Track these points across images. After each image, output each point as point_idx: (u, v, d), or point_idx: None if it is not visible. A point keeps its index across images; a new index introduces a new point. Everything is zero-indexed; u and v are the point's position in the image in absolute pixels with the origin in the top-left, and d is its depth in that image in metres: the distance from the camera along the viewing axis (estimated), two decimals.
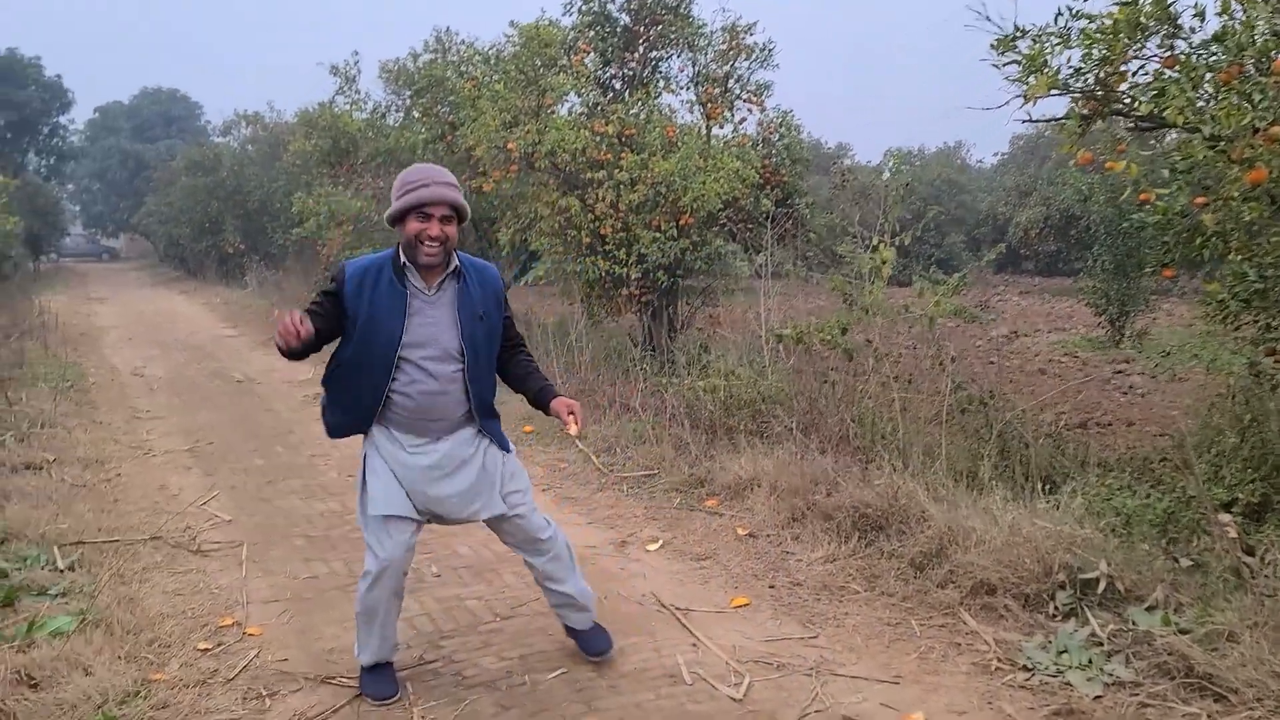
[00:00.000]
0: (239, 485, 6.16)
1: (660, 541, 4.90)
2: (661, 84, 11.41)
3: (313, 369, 11.14)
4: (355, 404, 3.20)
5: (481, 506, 3.29)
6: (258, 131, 28.08)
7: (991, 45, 4.67)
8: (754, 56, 10.73)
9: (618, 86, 11.68)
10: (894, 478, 4.62)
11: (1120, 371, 10.48)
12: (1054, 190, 20.32)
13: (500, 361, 3.40)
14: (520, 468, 3.43)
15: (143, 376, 10.94)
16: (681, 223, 9.72)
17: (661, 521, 5.24)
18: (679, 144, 10.14)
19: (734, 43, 10.81)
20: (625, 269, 9.80)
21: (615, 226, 9.79)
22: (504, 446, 3.36)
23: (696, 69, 11.00)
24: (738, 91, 10.95)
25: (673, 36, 11.26)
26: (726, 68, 10.81)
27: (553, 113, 10.47)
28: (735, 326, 13.16)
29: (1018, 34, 4.57)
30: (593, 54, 10.86)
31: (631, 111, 10.33)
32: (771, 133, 11.38)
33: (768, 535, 4.83)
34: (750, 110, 10.96)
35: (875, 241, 6.14)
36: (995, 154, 37.16)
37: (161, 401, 9.40)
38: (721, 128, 10.87)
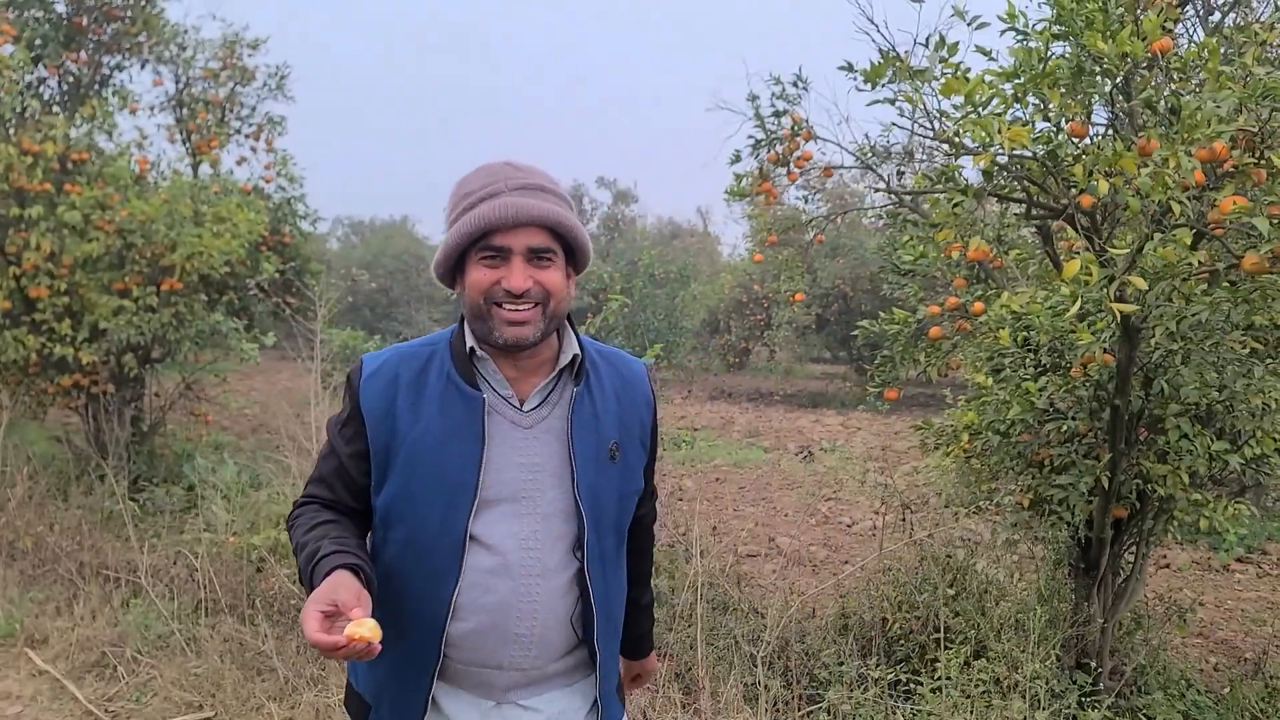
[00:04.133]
0: None
1: None
2: (116, 100, 8.47)
3: None
4: (399, 644, 1.50)
5: None
6: None
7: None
8: (263, 82, 8.40)
9: (46, 95, 8.46)
10: None
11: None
12: None
13: None
14: None
15: None
16: (164, 287, 7.03)
17: None
18: (158, 181, 7.46)
19: (231, 61, 8.38)
20: (74, 348, 6.80)
21: (56, 288, 6.78)
22: None
23: (180, 87, 8.31)
24: (237, 125, 8.49)
25: (138, 41, 8.46)
26: (226, 90, 8.32)
27: None
28: (247, 426, 10.42)
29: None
30: (17, 44, 7.63)
31: (80, 130, 7.39)
32: (269, 180, 9.04)
33: None
34: (253, 149, 8.54)
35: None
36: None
37: None
38: (212, 166, 8.32)
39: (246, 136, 8.47)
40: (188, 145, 8.16)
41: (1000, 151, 2.41)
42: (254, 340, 7.76)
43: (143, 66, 8.53)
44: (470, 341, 1.60)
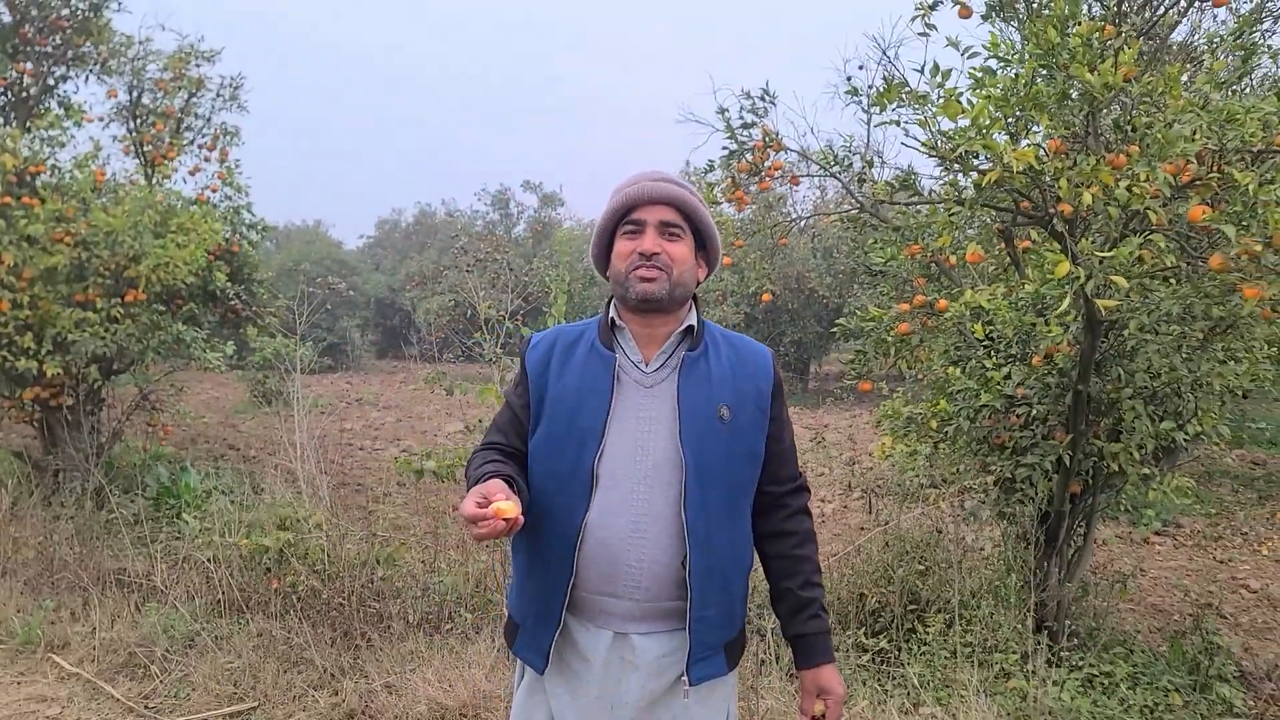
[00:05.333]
0: None
1: None
2: (60, 109, 8.38)
3: None
4: (541, 565, 1.89)
5: None
6: None
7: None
8: (216, 93, 8.40)
9: None
10: None
11: None
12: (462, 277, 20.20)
13: (757, 516, 2.01)
14: None
15: None
16: (127, 299, 7.03)
17: None
18: (119, 193, 7.43)
19: (180, 72, 8.35)
20: (37, 361, 6.76)
21: (18, 301, 6.73)
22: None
23: (134, 98, 8.26)
24: (190, 137, 8.47)
25: (83, 53, 8.37)
26: (181, 102, 8.29)
27: None
28: (185, 436, 10.32)
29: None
30: None
31: (28, 140, 7.32)
32: (214, 190, 9.01)
33: None
34: (206, 159, 8.52)
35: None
36: (361, 236, 36.80)
37: None
38: (164, 178, 8.28)
39: (201, 147, 8.45)
40: (142, 157, 8.11)
41: (1009, 169, 2.77)
42: (215, 350, 7.79)
43: (87, 79, 8.44)
44: (612, 314, 1.95)
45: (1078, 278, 2.85)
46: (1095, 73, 2.77)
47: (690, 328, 1.94)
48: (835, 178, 5.54)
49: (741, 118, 5.44)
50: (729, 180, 5.50)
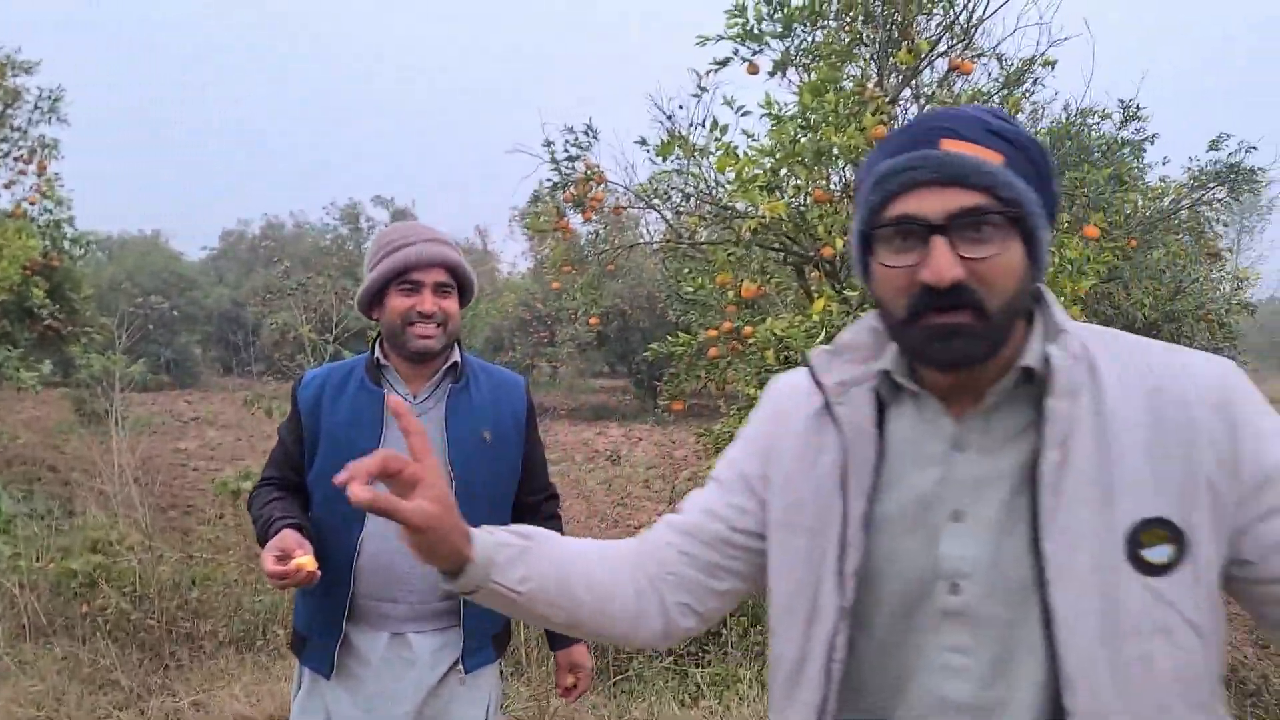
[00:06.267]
0: None
1: None
2: None
3: None
4: (322, 581, 1.95)
5: None
6: None
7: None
8: (35, 105, 8.12)
9: None
10: None
11: None
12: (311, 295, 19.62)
13: (515, 522, 1.93)
14: None
15: None
16: None
17: None
18: None
19: None
20: None
21: None
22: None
23: None
24: (5, 149, 8.16)
25: None
26: None
27: None
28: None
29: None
30: None
31: None
32: (33, 202, 8.71)
33: None
34: (22, 173, 8.23)
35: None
36: (203, 248, 35.43)
37: None
38: None
39: (17, 159, 8.14)
40: None
41: (764, 217, 3.12)
42: (31, 369, 7.52)
43: None
44: (378, 354, 2.18)
45: (830, 311, 3.22)
46: (841, 134, 3.16)
47: (455, 364, 2.18)
48: (655, 210, 5.89)
49: (566, 150, 5.72)
50: (554, 210, 5.76)
